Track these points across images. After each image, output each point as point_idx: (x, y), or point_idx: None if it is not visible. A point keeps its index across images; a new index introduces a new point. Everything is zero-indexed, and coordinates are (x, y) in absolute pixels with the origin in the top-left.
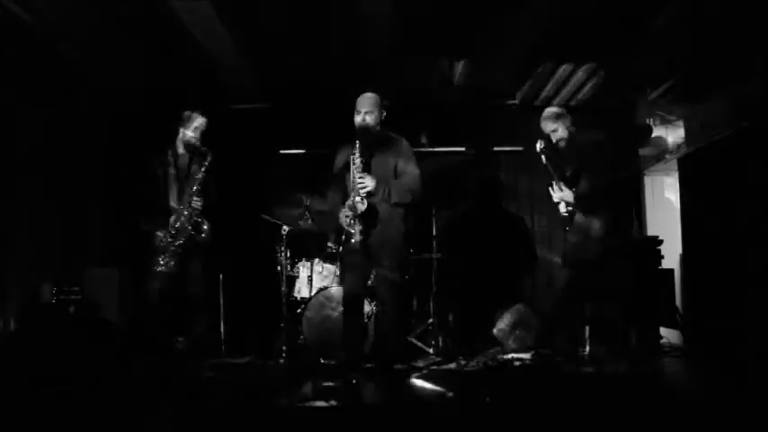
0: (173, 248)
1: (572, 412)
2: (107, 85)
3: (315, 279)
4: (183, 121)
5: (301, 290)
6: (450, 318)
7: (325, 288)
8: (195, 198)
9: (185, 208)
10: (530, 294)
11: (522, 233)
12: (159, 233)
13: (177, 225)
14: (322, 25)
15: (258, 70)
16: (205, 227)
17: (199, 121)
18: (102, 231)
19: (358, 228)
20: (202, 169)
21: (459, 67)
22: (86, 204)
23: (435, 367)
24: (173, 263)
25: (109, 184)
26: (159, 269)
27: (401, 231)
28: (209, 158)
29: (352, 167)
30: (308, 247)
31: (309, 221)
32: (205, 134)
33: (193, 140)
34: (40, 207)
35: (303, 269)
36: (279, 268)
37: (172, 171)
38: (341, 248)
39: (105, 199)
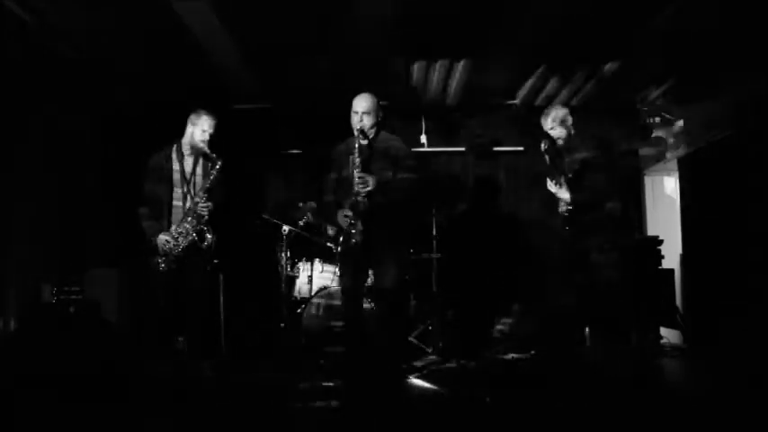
0: (174, 252)
1: (572, 412)
2: (107, 85)
3: (315, 279)
4: (192, 121)
5: (301, 290)
6: (450, 318)
7: (326, 288)
8: (202, 205)
9: (190, 214)
10: (530, 294)
11: (521, 233)
12: (162, 236)
13: (180, 230)
14: (322, 25)
15: (258, 70)
16: (209, 236)
17: (208, 122)
18: (102, 231)
19: (359, 227)
20: (211, 177)
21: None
22: (86, 204)
23: (435, 367)
24: (174, 265)
25: (109, 184)
26: (160, 270)
27: (400, 231)
28: (218, 165)
29: (352, 167)
30: (308, 247)
31: (310, 219)
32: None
33: (201, 143)
34: (40, 207)
35: (303, 269)
36: (279, 268)
37: (176, 170)
38: (339, 249)
39: (105, 199)
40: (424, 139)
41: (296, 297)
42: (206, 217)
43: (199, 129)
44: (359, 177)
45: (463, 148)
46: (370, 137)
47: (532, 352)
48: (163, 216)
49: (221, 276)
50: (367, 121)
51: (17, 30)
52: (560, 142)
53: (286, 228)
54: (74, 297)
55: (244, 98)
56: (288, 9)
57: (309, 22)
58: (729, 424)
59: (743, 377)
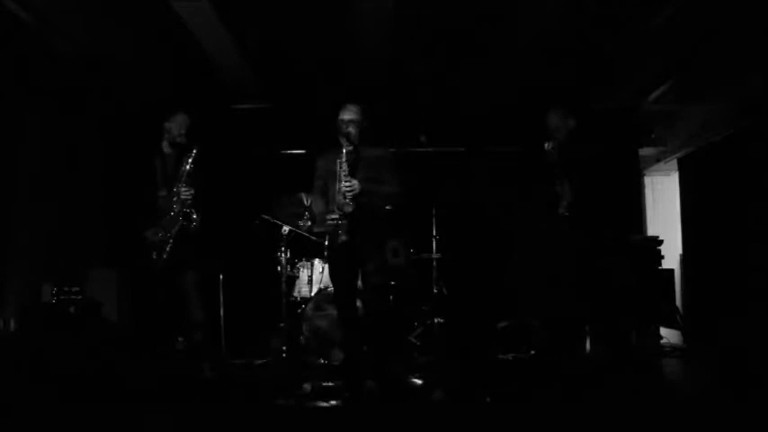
0: (163, 243)
1: (571, 412)
2: (107, 85)
3: (315, 279)
4: (167, 121)
5: (301, 290)
6: (450, 318)
7: (325, 288)
8: (183, 190)
9: (175, 201)
10: (530, 295)
11: (522, 233)
12: (150, 230)
13: (167, 218)
14: (322, 24)
15: (258, 70)
16: (195, 216)
17: (180, 118)
18: (102, 231)
19: (345, 229)
20: (189, 160)
21: None
22: (86, 204)
23: (434, 367)
24: (165, 256)
25: (109, 184)
26: (155, 265)
27: (384, 234)
28: (193, 151)
29: (339, 171)
30: (308, 248)
31: (309, 222)
32: (206, 134)
33: (177, 138)
34: (40, 207)
35: (303, 269)
36: (279, 268)
37: (160, 169)
38: (325, 252)
39: (105, 199)
40: (423, 138)
41: (296, 297)
42: (189, 201)
43: (173, 126)
44: (346, 182)
45: (463, 148)
46: (356, 143)
47: (532, 352)
48: (153, 213)
49: (221, 276)
50: (353, 129)
51: (17, 30)
52: (563, 142)
53: (286, 228)
54: (74, 297)
55: (244, 98)
56: (288, 8)
57: (309, 21)
58: (729, 424)
59: (743, 377)
